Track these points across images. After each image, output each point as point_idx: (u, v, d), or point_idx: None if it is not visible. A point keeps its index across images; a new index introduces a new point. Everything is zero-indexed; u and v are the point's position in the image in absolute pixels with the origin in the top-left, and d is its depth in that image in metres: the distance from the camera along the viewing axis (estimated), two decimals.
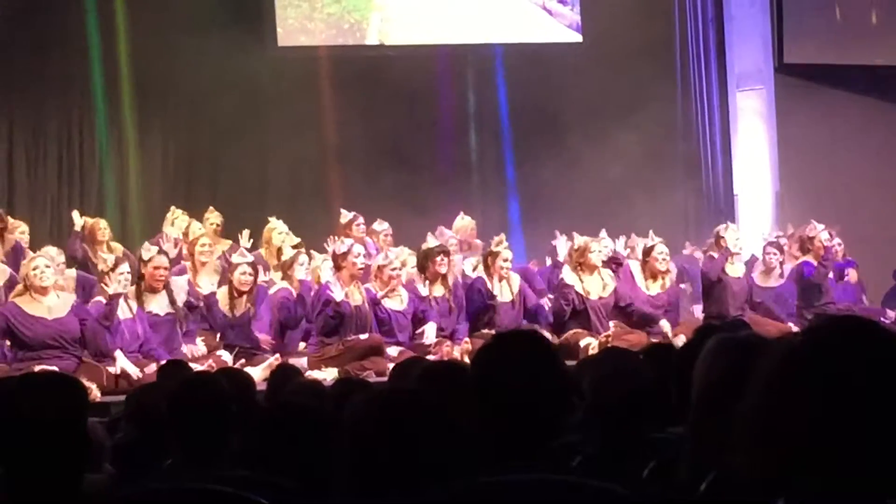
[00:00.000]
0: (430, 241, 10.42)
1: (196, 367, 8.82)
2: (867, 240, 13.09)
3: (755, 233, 13.81)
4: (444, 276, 10.28)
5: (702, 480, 2.42)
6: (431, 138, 13.98)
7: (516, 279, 10.57)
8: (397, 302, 9.99)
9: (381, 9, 13.78)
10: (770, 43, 14.48)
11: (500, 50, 14.29)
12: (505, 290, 10.44)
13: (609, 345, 9.24)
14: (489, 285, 10.34)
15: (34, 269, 8.66)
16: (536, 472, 2.52)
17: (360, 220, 11.51)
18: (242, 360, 9.42)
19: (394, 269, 9.93)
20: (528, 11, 14.20)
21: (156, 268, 9.37)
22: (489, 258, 10.47)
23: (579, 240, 10.65)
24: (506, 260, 10.44)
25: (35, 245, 12.09)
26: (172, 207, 11.33)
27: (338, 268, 9.83)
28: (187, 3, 12.65)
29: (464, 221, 12.10)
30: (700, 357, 2.65)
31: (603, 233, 11.23)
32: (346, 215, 11.51)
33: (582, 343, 10.03)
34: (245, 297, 9.73)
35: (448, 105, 14.16)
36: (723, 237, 11.34)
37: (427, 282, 10.23)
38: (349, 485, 2.63)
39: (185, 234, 10.86)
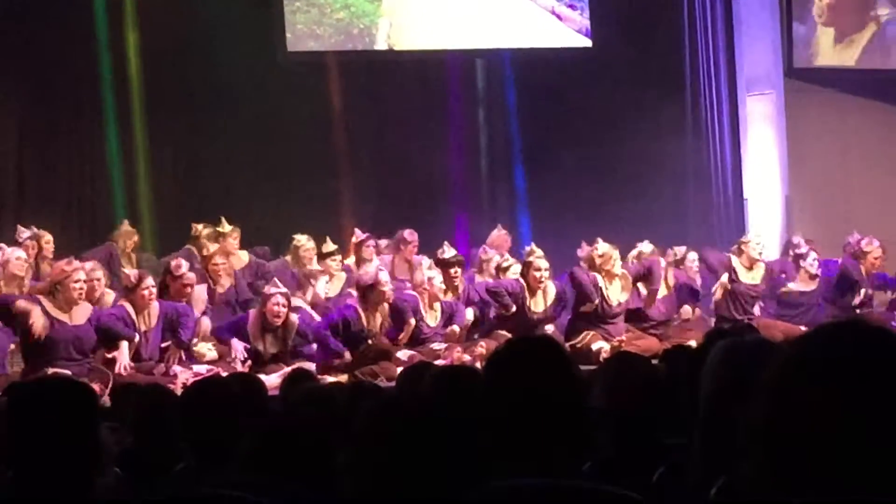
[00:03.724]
0: (447, 252, 10.49)
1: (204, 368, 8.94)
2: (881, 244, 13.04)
3: (765, 237, 13.79)
4: (456, 287, 10.39)
5: (711, 486, 2.42)
6: (441, 142, 13.98)
7: (552, 290, 10.52)
8: (432, 318, 10.03)
9: (391, 14, 13.79)
10: (779, 47, 14.47)
11: (510, 55, 14.29)
12: (539, 301, 10.43)
13: (621, 350, 9.25)
14: (526, 295, 10.35)
15: (76, 282, 8.76)
16: (548, 477, 2.53)
17: (372, 241, 11.49)
18: (249, 363, 9.41)
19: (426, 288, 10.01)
20: (538, 16, 14.20)
21: (184, 285, 9.54)
22: (524, 269, 10.45)
23: (603, 247, 10.58)
24: (539, 269, 10.38)
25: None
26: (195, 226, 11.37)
27: (363, 297, 9.82)
28: (196, 10, 12.67)
29: (500, 233, 12.15)
30: (707, 361, 2.65)
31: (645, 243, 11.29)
32: (359, 235, 11.50)
33: (594, 347, 10.02)
34: (280, 330, 9.53)
35: (457, 109, 14.17)
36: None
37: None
38: (359, 490, 2.63)
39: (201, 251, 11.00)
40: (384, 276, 9.84)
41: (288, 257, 11.15)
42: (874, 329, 1.58)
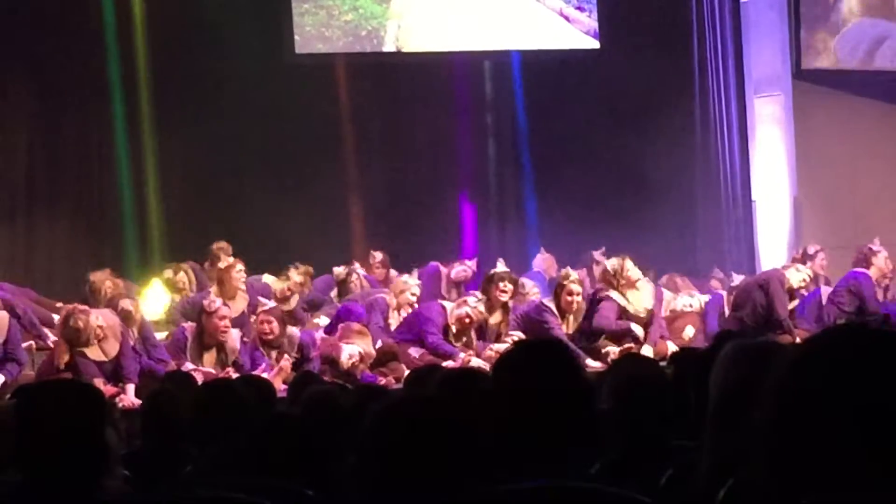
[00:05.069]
0: (499, 267, 10.24)
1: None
2: (886, 246, 13.03)
3: (773, 239, 13.79)
4: (505, 304, 10.09)
5: (720, 488, 2.42)
6: (449, 144, 13.98)
7: (582, 311, 10.22)
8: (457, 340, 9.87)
9: (399, 16, 13.79)
10: (788, 49, 14.45)
11: (518, 56, 14.29)
12: (571, 324, 10.13)
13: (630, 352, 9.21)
14: (556, 315, 10.03)
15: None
16: (556, 479, 2.52)
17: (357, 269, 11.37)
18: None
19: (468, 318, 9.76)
20: (546, 18, 14.20)
21: (221, 317, 9.16)
22: (557, 290, 10.18)
23: (611, 262, 10.23)
24: (572, 294, 10.07)
25: (52, 255, 12.17)
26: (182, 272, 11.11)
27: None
28: (204, 12, 12.68)
29: (545, 256, 12.02)
30: (716, 364, 2.65)
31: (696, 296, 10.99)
32: (339, 274, 11.35)
33: (603, 350, 9.96)
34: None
35: (465, 111, 14.16)
36: None
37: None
38: (367, 492, 2.63)
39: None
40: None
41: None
42: (879, 332, 1.57)
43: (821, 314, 10.95)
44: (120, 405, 8.25)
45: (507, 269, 10.28)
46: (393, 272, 11.72)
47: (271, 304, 9.57)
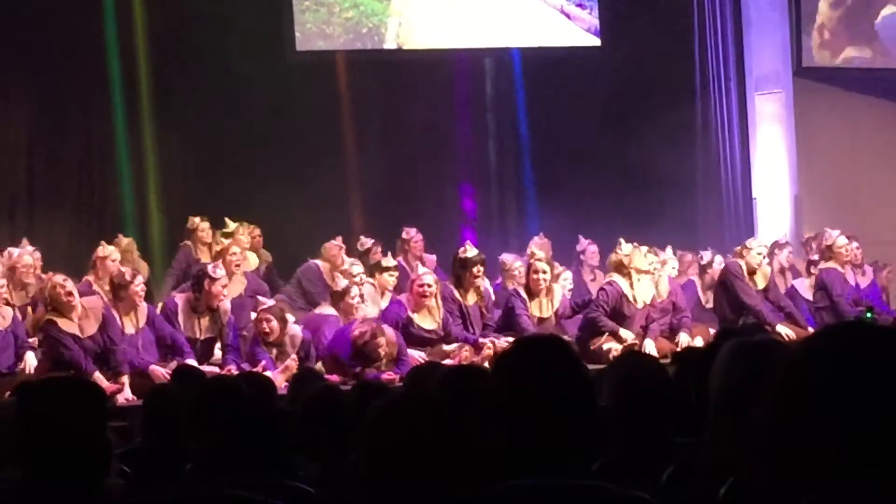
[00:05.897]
0: (469, 251, 10.16)
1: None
2: (888, 243, 13.04)
3: (774, 237, 13.77)
4: (477, 288, 10.11)
5: (720, 486, 2.42)
6: (450, 141, 13.99)
7: (559, 293, 10.28)
8: (429, 321, 9.86)
9: (399, 13, 13.80)
10: (788, 46, 14.45)
11: (519, 54, 14.30)
12: (545, 306, 10.14)
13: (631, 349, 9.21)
14: (525, 298, 10.03)
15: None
16: (556, 477, 2.52)
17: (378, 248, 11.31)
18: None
19: (428, 286, 9.76)
20: (547, 15, 14.20)
21: (223, 286, 9.36)
22: (527, 271, 10.20)
23: (626, 247, 10.15)
24: (537, 272, 10.04)
25: (52, 255, 12.13)
26: (196, 220, 11.23)
27: (336, 306, 9.65)
28: (205, 10, 12.68)
29: (542, 241, 12.03)
30: (717, 362, 2.65)
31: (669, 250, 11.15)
32: (364, 243, 11.35)
33: (605, 347, 9.96)
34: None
35: (466, 108, 14.17)
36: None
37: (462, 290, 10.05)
38: (368, 489, 2.63)
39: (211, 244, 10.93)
40: (355, 291, 9.58)
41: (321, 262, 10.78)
42: (880, 329, 1.57)
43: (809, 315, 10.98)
44: (119, 403, 8.24)
45: (477, 252, 10.20)
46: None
47: (270, 302, 9.56)
